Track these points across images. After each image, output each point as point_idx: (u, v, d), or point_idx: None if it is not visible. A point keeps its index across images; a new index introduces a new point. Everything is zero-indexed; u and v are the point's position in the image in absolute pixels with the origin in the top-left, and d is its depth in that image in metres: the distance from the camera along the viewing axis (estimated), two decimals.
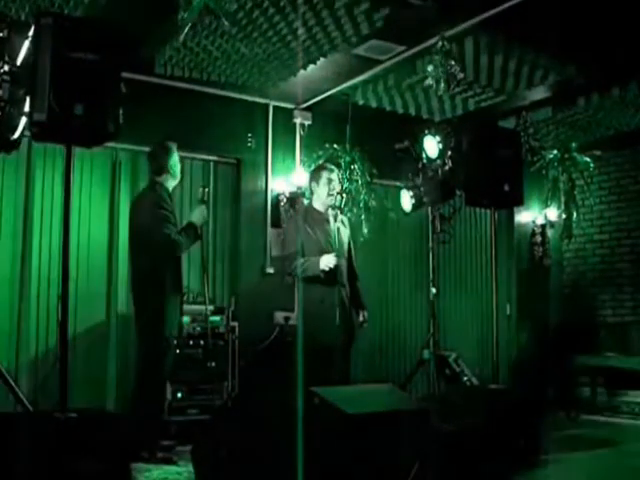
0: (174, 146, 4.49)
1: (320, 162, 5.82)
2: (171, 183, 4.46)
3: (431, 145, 5.82)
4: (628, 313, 7.26)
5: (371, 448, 3.16)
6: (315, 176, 4.71)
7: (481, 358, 7.12)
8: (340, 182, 4.77)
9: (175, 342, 4.68)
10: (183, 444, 4.40)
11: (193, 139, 5.78)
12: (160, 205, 4.28)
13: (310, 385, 3.28)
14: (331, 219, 4.57)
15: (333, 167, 4.78)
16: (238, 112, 6.10)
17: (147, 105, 5.34)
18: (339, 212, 4.65)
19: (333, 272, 4.40)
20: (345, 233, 4.69)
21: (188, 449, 3.44)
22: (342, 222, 4.71)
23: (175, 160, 4.46)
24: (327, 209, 4.61)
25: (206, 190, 4.53)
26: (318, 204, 4.66)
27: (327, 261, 4.36)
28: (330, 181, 4.60)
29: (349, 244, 4.75)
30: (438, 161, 5.81)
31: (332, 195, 4.58)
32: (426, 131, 5.81)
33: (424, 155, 5.96)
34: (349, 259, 4.71)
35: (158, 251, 4.23)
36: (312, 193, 4.74)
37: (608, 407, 6.48)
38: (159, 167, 4.42)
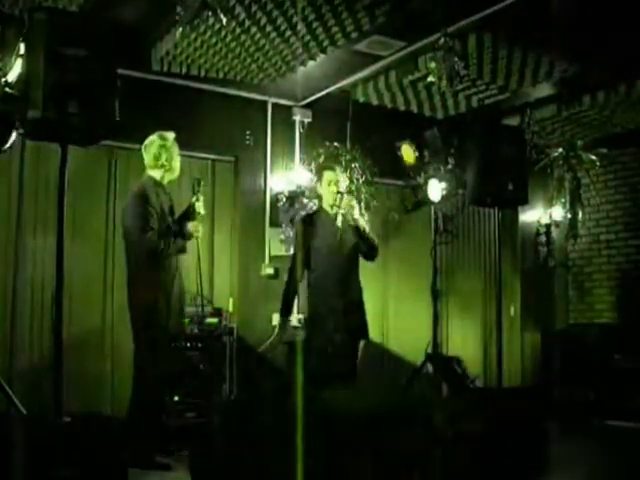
0: (168, 135, 4.36)
1: (320, 160, 5.75)
2: (161, 173, 4.32)
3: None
4: (633, 314, 7.19)
5: (372, 451, 3.11)
6: (318, 177, 4.66)
7: (484, 360, 7.07)
8: (339, 182, 4.68)
9: (173, 344, 4.62)
10: (181, 448, 4.33)
11: (190, 137, 5.68)
12: (136, 201, 4.18)
13: (309, 387, 3.23)
14: (338, 219, 4.48)
15: (333, 166, 4.68)
16: (236, 109, 6.04)
17: (144, 102, 5.28)
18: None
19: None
20: (351, 233, 4.58)
21: (186, 453, 3.37)
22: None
23: (158, 148, 4.30)
24: (333, 209, 4.53)
25: (202, 183, 4.35)
26: (325, 205, 4.59)
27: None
28: (330, 181, 4.53)
29: (357, 245, 4.63)
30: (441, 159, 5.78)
31: (333, 195, 4.51)
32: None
33: (426, 153, 5.90)
34: (355, 260, 4.59)
35: (136, 248, 4.16)
36: (319, 194, 4.68)
37: (614, 410, 6.41)
38: (146, 159, 4.34)
